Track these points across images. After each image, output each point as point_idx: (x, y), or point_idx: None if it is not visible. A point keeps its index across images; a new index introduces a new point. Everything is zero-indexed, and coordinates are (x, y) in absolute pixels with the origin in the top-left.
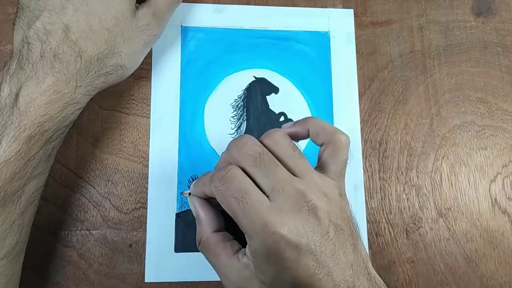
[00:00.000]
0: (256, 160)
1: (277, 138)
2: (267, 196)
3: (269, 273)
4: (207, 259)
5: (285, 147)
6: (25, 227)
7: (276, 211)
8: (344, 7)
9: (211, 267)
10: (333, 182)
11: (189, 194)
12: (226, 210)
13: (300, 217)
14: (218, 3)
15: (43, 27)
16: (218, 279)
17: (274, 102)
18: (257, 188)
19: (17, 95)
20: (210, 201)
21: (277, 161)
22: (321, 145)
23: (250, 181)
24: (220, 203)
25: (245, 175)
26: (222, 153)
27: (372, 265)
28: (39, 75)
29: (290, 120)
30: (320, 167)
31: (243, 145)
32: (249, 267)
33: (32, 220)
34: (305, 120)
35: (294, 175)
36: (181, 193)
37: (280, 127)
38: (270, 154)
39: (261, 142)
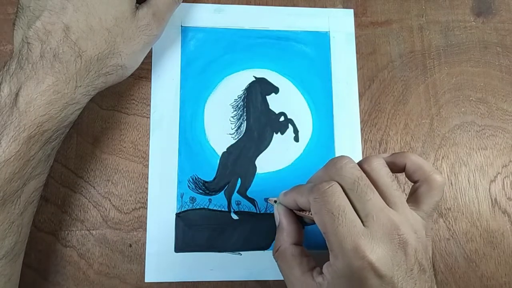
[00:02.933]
0: (354, 183)
1: (376, 165)
2: (361, 221)
3: None
4: (280, 268)
5: (383, 175)
6: (25, 227)
7: (368, 236)
8: (344, 7)
9: (212, 267)
10: (422, 220)
11: (275, 201)
12: (319, 224)
13: (390, 248)
14: (218, 3)
15: (43, 27)
16: (218, 279)
17: (274, 102)
18: (353, 210)
19: (16, 95)
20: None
21: (373, 188)
22: (415, 182)
23: (348, 201)
24: (314, 215)
25: (344, 194)
26: (319, 169)
27: None
28: (39, 75)
29: (290, 120)
30: (412, 202)
31: (343, 166)
32: (322, 287)
33: (32, 220)
34: (403, 154)
35: (388, 205)
36: (266, 199)
37: (280, 127)
38: (368, 180)
39: (360, 166)
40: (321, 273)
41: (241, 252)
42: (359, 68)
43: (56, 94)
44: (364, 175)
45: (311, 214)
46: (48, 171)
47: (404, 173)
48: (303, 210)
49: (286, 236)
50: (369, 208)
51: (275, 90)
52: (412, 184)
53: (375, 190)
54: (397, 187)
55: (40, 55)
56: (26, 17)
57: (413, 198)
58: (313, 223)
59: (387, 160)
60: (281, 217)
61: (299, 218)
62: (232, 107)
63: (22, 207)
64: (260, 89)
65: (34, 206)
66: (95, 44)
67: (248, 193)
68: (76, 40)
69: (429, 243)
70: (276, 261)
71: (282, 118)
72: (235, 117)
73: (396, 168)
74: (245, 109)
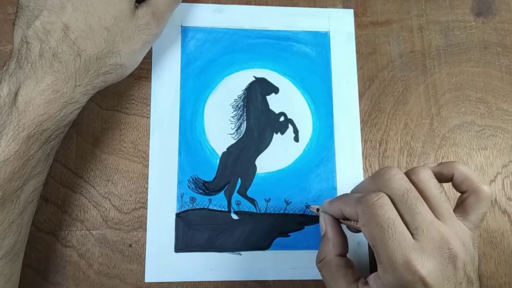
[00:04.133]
0: (403, 195)
1: (424, 176)
2: (411, 234)
3: None
4: (324, 278)
5: (432, 187)
6: (24, 227)
7: (419, 250)
8: (344, 7)
9: (212, 267)
10: (469, 232)
11: (317, 210)
12: (367, 236)
13: (440, 262)
14: (218, 3)
15: (42, 27)
16: (218, 279)
17: (274, 102)
18: (403, 223)
19: (16, 94)
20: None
21: (422, 200)
22: (462, 192)
23: (397, 214)
24: (362, 227)
25: (393, 207)
26: (365, 179)
27: (373, 264)
28: (38, 74)
29: (290, 120)
30: (459, 213)
31: (391, 178)
32: None
33: (31, 220)
34: (452, 164)
35: (436, 216)
36: (308, 207)
37: (280, 127)
38: (417, 192)
39: (407, 177)
40: (366, 284)
41: (241, 252)
42: (359, 68)
43: (55, 93)
44: (413, 187)
45: (357, 224)
46: (48, 170)
47: (451, 183)
48: (347, 219)
49: (332, 247)
50: (418, 221)
51: (275, 90)
52: (459, 194)
53: (424, 202)
54: (445, 198)
55: (39, 54)
56: (25, 17)
57: (461, 209)
58: (358, 231)
59: (434, 170)
60: (327, 227)
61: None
62: (232, 107)
63: (21, 207)
64: (260, 89)
65: (33, 206)
66: (94, 43)
67: (248, 193)
68: (75, 39)
69: (476, 255)
70: (320, 271)
71: (282, 118)
72: (235, 117)
73: (443, 178)
74: (245, 109)
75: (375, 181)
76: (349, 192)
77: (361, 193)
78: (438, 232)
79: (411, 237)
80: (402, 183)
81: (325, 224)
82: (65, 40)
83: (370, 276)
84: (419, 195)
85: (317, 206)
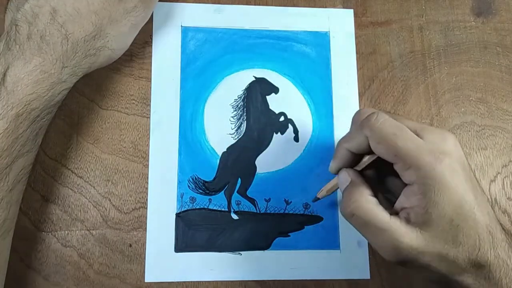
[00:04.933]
0: (388, 114)
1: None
2: None
3: (441, 203)
4: (359, 221)
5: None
6: (13, 205)
7: (431, 143)
8: (344, 7)
9: (212, 267)
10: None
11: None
12: (384, 150)
13: (451, 146)
14: (218, 3)
15: (31, 10)
16: (218, 279)
17: (274, 102)
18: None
19: (4, 74)
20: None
21: None
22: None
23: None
24: (377, 144)
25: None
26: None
27: (373, 264)
28: (26, 56)
29: (290, 120)
30: None
31: (369, 109)
32: (411, 219)
33: (20, 199)
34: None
35: None
36: (316, 200)
37: (280, 127)
38: None
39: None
40: (398, 210)
41: (241, 252)
42: (359, 68)
43: (43, 74)
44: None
45: (368, 159)
46: (37, 149)
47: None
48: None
49: (363, 188)
50: (414, 124)
51: (275, 90)
52: None
53: None
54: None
55: (27, 36)
56: (16, 0)
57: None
58: (373, 181)
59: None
60: (352, 176)
61: None
62: (232, 107)
63: (11, 184)
64: (260, 89)
65: (22, 185)
66: (82, 27)
67: (248, 193)
68: (63, 23)
69: None
70: (351, 216)
71: (282, 118)
72: (235, 117)
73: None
74: (245, 109)
75: (363, 114)
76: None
77: (351, 138)
78: (433, 128)
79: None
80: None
81: (349, 175)
82: (53, 23)
83: (396, 204)
84: None
85: (326, 186)
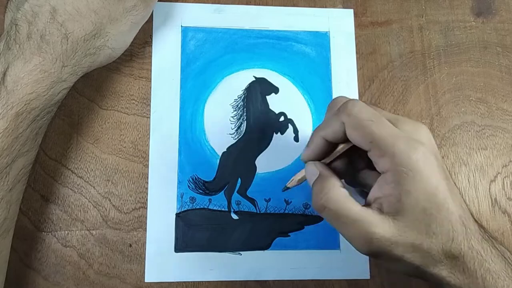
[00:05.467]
0: (364, 102)
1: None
2: None
3: (415, 192)
4: (331, 213)
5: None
6: (13, 204)
7: (405, 132)
8: (344, 7)
9: (212, 267)
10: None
11: (289, 185)
12: (360, 137)
13: (424, 136)
14: (218, 3)
15: (31, 9)
16: (218, 279)
17: (274, 102)
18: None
19: (4, 74)
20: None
21: None
22: None
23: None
24: (353, 131)
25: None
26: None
27: (373, 264)
28: (26, 55)
29: (290, 120)
30: None
31: (343, 98)
32: (384, 209)
33: (20, 199)
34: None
35: None
36: (285, 189)
37: (280, 127)
38: None
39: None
40: (372, 200)
41: (241, 252)
42: (359, 68)
43: (43, 73)
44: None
45: (341, 148)
46: (37, 149)
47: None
48: (330, 153)
49: (332, 180)
50: (389, 114)
51: (275, 90)
52: None
53: None
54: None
55: (27, 36)
56: (16, 0)
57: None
58: (343, 174)
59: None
60: (320, 169)
61: None
62: (232, 107)
63: (11, 184)
64: (260, 89)
65: (22, 184)
66: (82, 26)
67: (248, 193)
68: (62, 22)
69: None
70: (323, 208)
71: (282, 118)
72: (235, 117)
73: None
74: (245, 109)
75: (338, 102)
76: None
77: (327, 126)
78: (406, 118)
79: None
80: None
81: (316, 168)
82: (52, 22)
83: (370, 194)
84: None
85: (295, 176)
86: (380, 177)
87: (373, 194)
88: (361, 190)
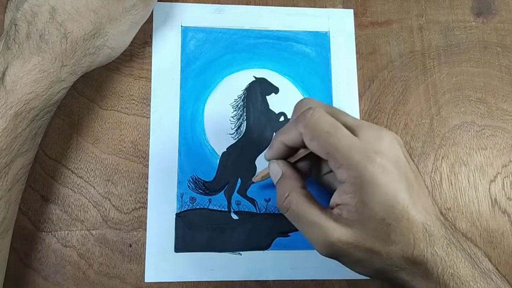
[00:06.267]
0: (327, 107)
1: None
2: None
3: (371, 203)
4: (292, 215)
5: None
6: (12, 204)
7: (366, 142)
8: (344, 7)
9: (212, 267)
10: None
11: (255, 179)
12: (317, 148)
13: (385, 145)
14: (218, 3)
15: (30, 9)
16: (218, 279)
17: (274, 102)
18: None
19: (3, 74)
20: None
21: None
22: None
23: (334, 119)
24: (310, 141)
25: (328, 114)
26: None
27: None
28: (25, 55)
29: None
30: None
31: (311, 100)
32: (343, 215)
33: (19, 199)
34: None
35: None
36: (252, 182)
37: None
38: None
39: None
40: (335, 202)
41: (241, 252)
42: (359, 68)
43: (42, 73)
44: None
45: (302, 152)
46: (36, 149)
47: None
48: (291, 156)
49: (294, 181)
50: (352, 121)
51: (275, 90)
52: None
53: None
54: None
55: (26, 35)
56: (15, 0)
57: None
58: (308, 174)
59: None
60: (283, 168)
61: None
62: (232, 107)
63: (9, 184)
64: (260, 89)
65: (21, 184)
66: (81, 26)
67: (248, 193)
68: (62, 21)
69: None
70: (286, 211)
71: (282, 118)
72: (235, 117)
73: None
74: (245, 109)
75: (301, 108)
76: None
77: (286, 132)
78: (369, 124)
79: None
80: (320, 101)
81: (279, 167)
82: (52, 22)
83: (331, 200)
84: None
85: (260, 172)
86: (340, 186)
87: (334, 199)
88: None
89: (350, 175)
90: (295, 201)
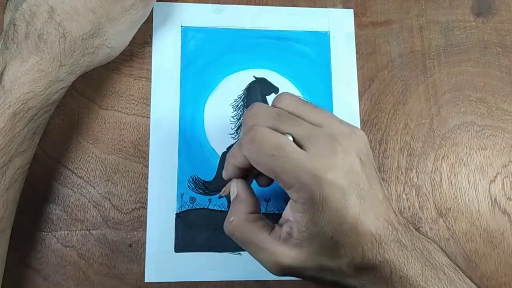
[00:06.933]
0: (275, 118)
1: (286, 98)
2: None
3: (321, 222)
4: (239, 239)
5: (297, 104)
6: (10, 204)
7: (315, 158)
8: (344, 7)
9: (212, 267)
10: (352, 124)
11: (222, 194)
12: (264, 171)
13: (338, 158)
14: (218, 3)
15: (29, 9)
16: (218, 279)
17: None
18: (289, 140)
19: (1, 74)
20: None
21: (294, 116)
22: None
23: (280, 134)
24: (256, 165)
25: (272, 131)
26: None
27: None
28: (23, 55)
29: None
30: None
31: (257, 111)
32: (293, 234)
33: (17, 198)
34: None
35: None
36: (219, 196)
37: None
38: (287, 112)
39: (273, 105)
40: (284, 222)
41: (241, 252)
42: (359, 68)
43: (40, 73)
44: (281, 109)
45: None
46: (34, 149)
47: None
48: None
49: (244, 207)
50: (301, 132)
51: (275, 90)
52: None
53: (297, 118)
54: (313, 105)
55: (25, 35)
56: (15, 0)
57: None
58: (266, 183)
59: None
60: (239, 189)
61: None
62: (232, 107)
63: (7, 183)
64: (260, 89)
65: (19, 184)
66: (80, 25)
67: None
68: (60, 21)
69: (366, 140)
70: (231, 235)
71: None
72: (235, 117)
73: None
74: (245, 109)
75: (246, 124)
76: None
77: (234, 156)
78: (323, 134)
79: (302, 150)
80: (270, 109)
81: (236, 188)
82: (50, 22)
83: (284, 213)
84: (290, 114)
85: (226, 187)
86: (290, 203)
87: (286, 214)
88: None
89: (299, 196)
90: (241, 227)
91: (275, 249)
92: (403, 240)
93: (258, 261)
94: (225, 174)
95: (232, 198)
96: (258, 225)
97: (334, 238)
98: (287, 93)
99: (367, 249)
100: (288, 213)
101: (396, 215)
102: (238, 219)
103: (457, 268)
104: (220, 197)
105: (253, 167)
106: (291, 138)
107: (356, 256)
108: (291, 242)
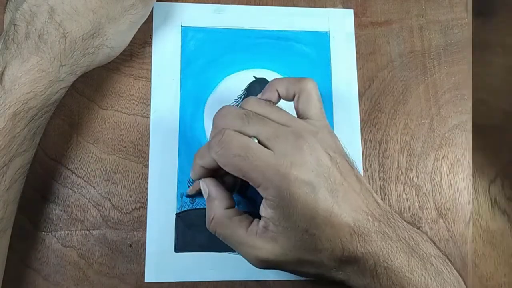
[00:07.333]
0: (243, 119)
1: (253, 101)
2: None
3: (293, 217)
4: (221, 236)
5: (263, 106)
6: (10, 204)
7: (281, 156)
8: (344, 7)
9: (212, 267)
10: (318, 122)
11: (189, 192)
12: (233, 172)
13: (304, 154)
14: (218, 3)
15: (29, 9)
16: (218, 279)
17: None
18: (255, 142)
19: (2, 74)
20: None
21: (261, 117)
22: (293, 99)
23: (246, 136)
24: (224, 167)
25: (239, 133)
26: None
27: None
28: (23, 55)
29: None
30: (302, 116)
31: (226, 113)
32: (269, 228)
33: (18, 199)
34: (270, 84)
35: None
36: (186, 195)
37: None
38: (254, 113)
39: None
40: (262, 218)
41: None
42: (359, 68)
43: (41, 73)
44: (248, 110)
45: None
46: (35, 149)
47: (282, 100)
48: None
49: (218, 203)
50: (267, 132)
51: None
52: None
53: (264, 118)
54: (279, 108)
55: (25, 35)
56: (15, 0)
57: (300, 112)
58: (235, 186)
59: (263, 97)
60: (209, 188)
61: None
62: None
63: (8, 183)
64: (260, 89)
65: (20, 184)
66: (80, 25)
67: (248, 193)
68: (60, 21)
69: (335, 138)
70: (215, 232)
71: None
72: None
73: (273, 100)
74: None
75: (216, 126)
76: None
77: (202, 157)
78: (289, 132)
79: (269, 150)
80: (238, 111)
81: (206, 186)
82: (50, 22)
83: (260, 209)
84: (258, 114)
85: (194, 186)
86: (263, 200)
87: (261, 210)
88: None
89: (268, 194)
90: (219, 225)
91: (253, 243)
92: (387, 231)
93: (241, 255)
94: (192, 175)
95: (205, 197)
96: (235, 220)
97: (309, 231)
98: (253, 97)
99: (346, 241)
100: (262, 210)
101: (380, 206)
102: (216, 216)
103: (446, 260)
104: (188, 196)
105: (220, 168)
106: (256, 141)
107: (336, 249)
108: (267, 236)
